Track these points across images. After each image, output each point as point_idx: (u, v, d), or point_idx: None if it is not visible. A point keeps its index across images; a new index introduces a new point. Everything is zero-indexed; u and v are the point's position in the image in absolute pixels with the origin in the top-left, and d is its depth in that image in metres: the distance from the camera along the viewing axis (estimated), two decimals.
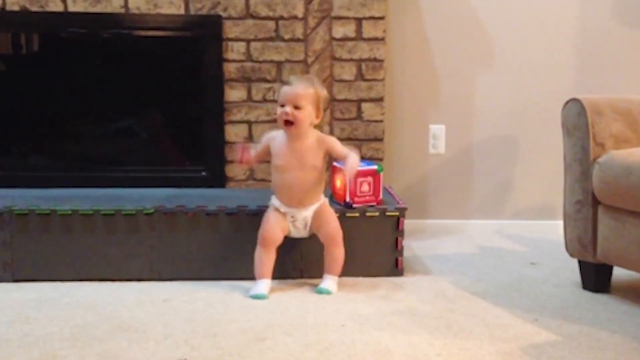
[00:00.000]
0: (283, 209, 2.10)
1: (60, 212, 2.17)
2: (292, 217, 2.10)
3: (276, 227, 2.09)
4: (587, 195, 2.06)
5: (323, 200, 2.15)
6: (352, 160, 2.04)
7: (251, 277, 2.09)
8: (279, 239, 2.10)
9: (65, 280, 2.16)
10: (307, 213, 2.10)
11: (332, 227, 2.12)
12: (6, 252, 2.16)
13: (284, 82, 2.09)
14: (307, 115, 2.04)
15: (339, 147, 2.09)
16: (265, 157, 2.14)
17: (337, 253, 2.12)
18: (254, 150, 2.13)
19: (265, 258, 2.08)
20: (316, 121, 2.08)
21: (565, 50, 2.89)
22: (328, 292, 2.06)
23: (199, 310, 1.92)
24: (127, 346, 1.67)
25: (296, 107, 2.02)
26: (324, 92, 2.10)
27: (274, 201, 2.12)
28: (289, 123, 2.03)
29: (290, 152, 2.07)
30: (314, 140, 2.08)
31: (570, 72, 2.89)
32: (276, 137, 2.11)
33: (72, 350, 1.64)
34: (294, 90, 2.03)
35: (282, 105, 2.04)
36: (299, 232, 2.13)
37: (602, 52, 2.89)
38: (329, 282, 2.10)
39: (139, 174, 2.63)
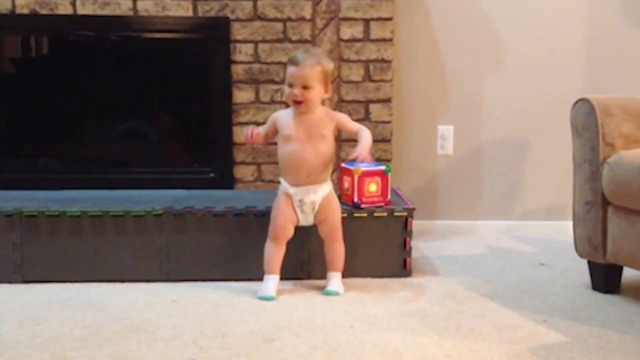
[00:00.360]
0: (292, 189, 2.07)
1: (69, 213, 2.18)
2: (300, 200, 2.08)
3: (287, 221, 2.08)
4: (597, 195, 2.05)
5: (331, 187, 2.13)
6: (365, 137, 2.04)
7: (259, 278, 2.09)
8: (290, 233, 2.09)
9: (75, 281, 2.17)
10: (316, 197, 2.08)
11: (335, 221, 2.11)
12: (16, 254, 2.17)
13: (291, 59, 2.04)
14: (317, 93, 2.04)
15: (350, 123, 2.10)
16: (273, 137, 2.13)
17: (338, 248, 2.11)
18: (262, 129, 2.12)
19: (275, 253, 2.07)
20: (326, 96, 2.08)
21: (575, 50, 2.87)
22: (336, 293, 2.05)
23: (207, 311, 1.92)
24: (137, 347, 1.67)
25: (305, 87, 2.01)
26: (330, 65, 2.08)
27: (283, 184, 2.10)
28: (298, 102, 2.03)
29: (298, 124, 2.06)
30: (323, 114, 2.08)
31: (579, 72, 2.88)
32: (282, 115, 2.12)
33: (82, 351, 1.65)
34: (301, 71, 2.01)
35: (290, 85, 2.03)
36: (307, 217, 2.10)
37: (611, 52, 2.87)
38: (335, 281, 2.09)
39: (148, 176, 2.64)
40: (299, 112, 2.06)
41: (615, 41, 2.87)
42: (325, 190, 2.10)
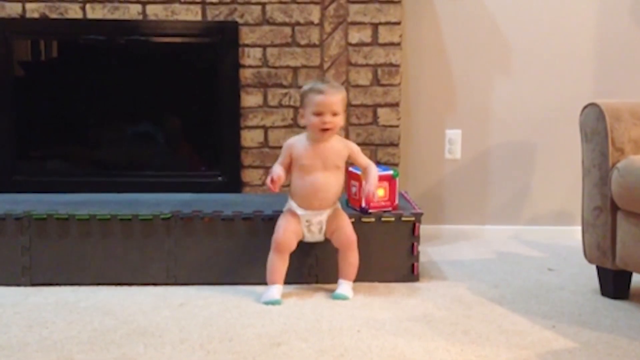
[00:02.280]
0: (300, 211, 2.10)
1: (78, 217, 2.19)
2: (308, 221, 2.10)
3: (290, 232, 2.09)
4: (606, 201, 2.04)
5: (337, 204, 2.16)
6: (374, 174, 2.11)
7: (266, 282, 2.09)
8: (293, 244, 2.10)
9: (83, 284, 2.18)
10: (322, 217, 2.11)
11: (347, 232, 2.13)
12: (25, 257, 2.18)
13: (314, 90, 2.07)
14: (342, 120, 2.10)
15: (360, 156, 2.15)
16: (290, 168, 2.13)
17: (352, 258, 2.12)
18: (279, 167, 2.10)
19: (278, 264, 2.08)
20: (342, 123, 2.13)
21: (583, 55, 2.86)
22: (345, 298, 2.06)
23: (214, 315, 1.92)
24: (144, 350, 1.68)
25: (334, 114, 2.06)
26: (346, 97, 2.15)
27: (292, 204, 2.12)
28: (326, 130, 2.07)
29: (314, 153, 2.09)
30: (338, 143, 2.13)
31: (588, 77, 2.87)
32: (296, 142, 2.13)
33: (90, 354, 1.65)
34: (330, 98, 2.06)
35: (319, 114, 2.05)
36: (314, 236, 2.13)
37: (620, 56, 2.86)
38: (345, 287, 2.10)
39: (156, 179, 2.65)
40: (322, 139, 2.09)
41: (624, 45, 2.85)
42: (331, 208, 2.13)
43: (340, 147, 2.12)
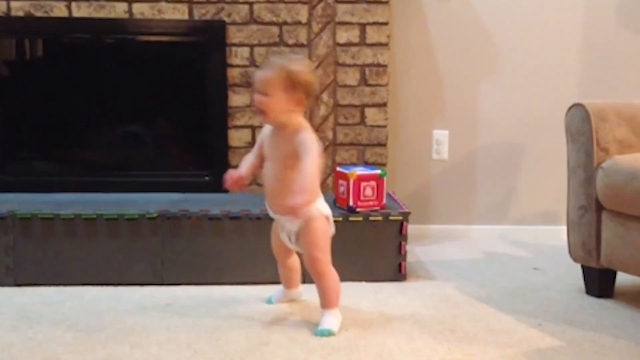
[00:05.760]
0: (270, 213, 1.88)
1: (63, 216, 2.18)
2: (281, 227, 1.87)
3: (277, 242, 1.92)
4: (591, 200, 2.05)
5: (312, 213, 1.77)
6: (299, 185, 1.66)
7: (255, 281, 2.10)
8: (286, 251, 1.92)
9: (68, 284, 2.16)
10: (292, 227, 1.83)
11: (309, 256, 1.80)
12: (9, 257, 2.16)
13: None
14: (277, 102, 1.72)
15: (304, 148, 1.71)
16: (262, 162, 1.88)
17: (322, 285, 1.81)
18: (246, 162, 1.89)
19: (280, 270, 1.99)
20: (297, 109, 1.75)
21: (570, 56, 2.89)
22: (329, 333, 1.75)
23: (202, 315, 1.91)
24: (130, 351, 1.66)
25: (263, 94, 1.73)
26: (306, 75, 1.75)
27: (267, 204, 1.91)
28: (261, 112, 1.75)
29: (272, 142, 1.82)
30: (296, 130, 1.75)
31: (574, 78, 2.89)
32: (266, 129, 1.86)
33: (75, 354, 1.64)
34: (260, 75, 1.75)
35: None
36: (290, 245, 1.88)
37: (606, 58, 2.89)
38: (328, 319, 1.79)
39: (143, 179, 2.63)
40: (268, 123, 1.82)
41: (609, 47, 2.88)
42: (299, 219, 1.78)
43: (293, 135, 1.74)
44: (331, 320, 1.79)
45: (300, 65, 1.77)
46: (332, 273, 1.81)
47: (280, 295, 2.01)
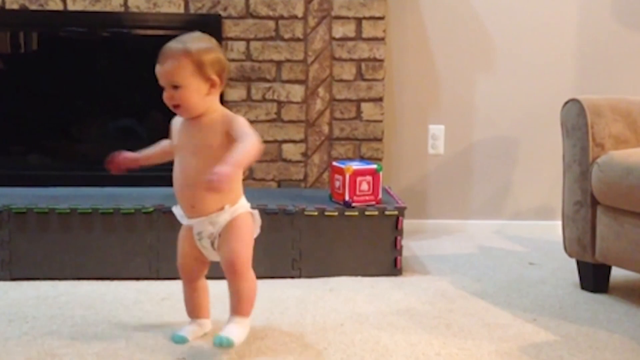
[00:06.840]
0: (184, 221, 1.64)
1: (58, 210, 2.17)
2: (198, 233, 1.61)
3: (188, 258, 1.66)
4: (586, 195, 2.06)
5: (238, 212, 1.59)
6: (236, 151, 1.47)
7: None
8: (196, 270, 1.67)
9: (64, 279, 2.16)
10: (214, 229, 1.59)
11: (231, 250, 1.57)
12: (4, 251, 2.16)
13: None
14: (192, 92, 1.54)
15: (239, 128, 1.53)
16: (168, 153, 1.69)
17: (238, 287, 1.57)
18: (154, 148, 1.73)
19: (188, 295, 1.69)
20: (214, 91, 1.57)
21: (566, 51, 2.89)
22: (228, 344, 1.51)
23: None
24: (126, 345, 1.66)
25: (174, 88, 1.55)
26: (211, 52, 1.56)
27: (175, 210, 1.67)
28: (177, 107, 1.57)
29: (185, 130, 1.60)
30: (217, 116, 1.58)
31: (570, 73, 2.90)
32: (177, 120, 1.66)
33: (71, 349, 1.64)
34: (165, 68, 1.54)
35: (162, 88, 1.57)
36: (210, 253, 1.64)
37: (602, 53, 2.89)
38: (233, 328, 1.55)
39: (138, 173, 2.60)
40: (184, 117, 1.61)
41: (605, 42, 2.89)
42: (223, 216, 1.59)
43: (217, 122, 1.56)
44: (237, 330, 1.55)
45: (200, 42, 1.57)
46: (251, 277, 1.59)
47: (195, 329, 1.69)
